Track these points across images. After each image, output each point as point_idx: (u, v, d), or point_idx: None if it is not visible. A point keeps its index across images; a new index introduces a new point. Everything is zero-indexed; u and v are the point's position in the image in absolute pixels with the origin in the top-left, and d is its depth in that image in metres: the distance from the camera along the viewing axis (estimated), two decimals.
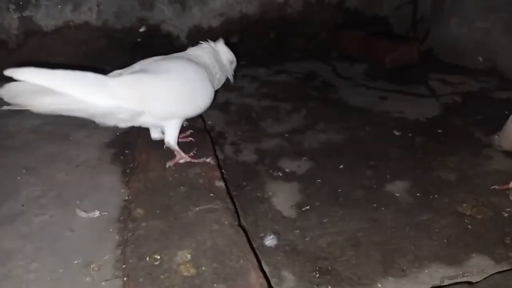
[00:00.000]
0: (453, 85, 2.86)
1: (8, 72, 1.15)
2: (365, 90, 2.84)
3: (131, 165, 1.93)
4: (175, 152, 1.53)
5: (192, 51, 1.70)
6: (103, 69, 3.09)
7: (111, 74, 1.48)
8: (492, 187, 1.69)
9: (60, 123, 2.34)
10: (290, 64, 3.33)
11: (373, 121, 2.33)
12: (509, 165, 1.81)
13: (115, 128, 2.26)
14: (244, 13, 3.38)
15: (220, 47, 1.76)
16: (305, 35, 3.57)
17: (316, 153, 2.00)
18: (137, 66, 1.55)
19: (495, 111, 2.40)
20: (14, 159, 1.97)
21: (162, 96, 1.45)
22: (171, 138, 1.52)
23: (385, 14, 3.70)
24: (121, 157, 2.01)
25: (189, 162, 1.51)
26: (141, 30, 3.18)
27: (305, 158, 1.94)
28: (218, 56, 1.74)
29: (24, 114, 2.45)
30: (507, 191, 1.65)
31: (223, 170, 1.77)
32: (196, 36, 3.31)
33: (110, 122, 1.49)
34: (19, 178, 1.82)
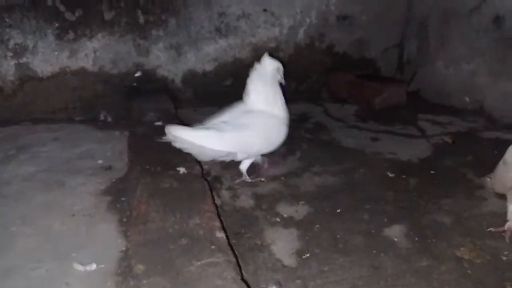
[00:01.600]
0: (442, 125, 2.94)
1: (167, 129, 1.82)
2: (357, 131, 2.90)
3: (128, 213, 1.92)
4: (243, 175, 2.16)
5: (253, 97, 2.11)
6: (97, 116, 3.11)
7: (212, 122, 1.98)
8: (488, 229, 1.71)
9: (55, 170, 2.34)
10: None
11: (367, 163, 2.37)
12: (503, 207, 1.83)
13: (111, 175, 2.29)
14: (237, 58, 3.48)
15: (267, 63, 2.16)
16: (297, 77, 3.67)
17: (313, 196, 2.02)
18: (230, 118, 2.00)
19: (485, 152, 2.47)
20: (9, 209, 1.95)
21: (252, 145, 2.01)
22: (244, 168, 2.13)
23: (373, 57, 3.83)
24: (117, 205, 2.00)
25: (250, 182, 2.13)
26: (137, 74, 3.25)
27: (302, 202, 1.95)
28: (269, 73, 2.15)
29: (19, 160, 2.47)
30: (503, 233, 1.67)
31: (221, 218, 1.78)
32: (191, 80, 3.40)
33: (216, 158, 2.06)
34: (14, 229, 1.79)
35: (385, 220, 1.80)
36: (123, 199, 2.04)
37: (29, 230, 1.79)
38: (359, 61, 3.80)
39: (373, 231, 1.72)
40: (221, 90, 3.51)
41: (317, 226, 1.76)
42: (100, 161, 2.45)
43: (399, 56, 3.84)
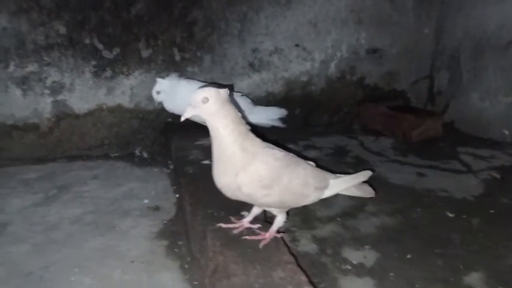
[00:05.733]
0: (485, 159, 2.89)
1: None
2: (400, 166, 2.85)
3: (188, 259, 1.86)
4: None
5: None
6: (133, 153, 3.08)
7: None
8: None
9: (102, 212, 2.28)
10: (316, 139, 3.37)
11: (421, 201, 2.30)
12: None
13: (160, 216, 2.23)
14: (270, 92, 3.47)
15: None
16: (328, 110, 3.67)
17: (376, 240, 1.94)
18: None
19: None
20: (62, 255, 1.89)
21: None
22: None
23: (403, 89, 3.84)
24: (175, 249, 1.94)
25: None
26: None
27: (367, 246, 1.88)
28: None
29: (62, 201, 2.41)
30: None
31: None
32: None
33: None
34: (73, 278, 1.73)
35: (461, 266, 1.72)
36: (180, 243, 1.98)
37: (89, 280, 1.72)
38: (389, 92, 3.81)
39: (452, 279, 1.65)
40: None
41: (391, 274, 1.69)
42: (146, 201, 2.40)
43: (429, 88, 3.84)
